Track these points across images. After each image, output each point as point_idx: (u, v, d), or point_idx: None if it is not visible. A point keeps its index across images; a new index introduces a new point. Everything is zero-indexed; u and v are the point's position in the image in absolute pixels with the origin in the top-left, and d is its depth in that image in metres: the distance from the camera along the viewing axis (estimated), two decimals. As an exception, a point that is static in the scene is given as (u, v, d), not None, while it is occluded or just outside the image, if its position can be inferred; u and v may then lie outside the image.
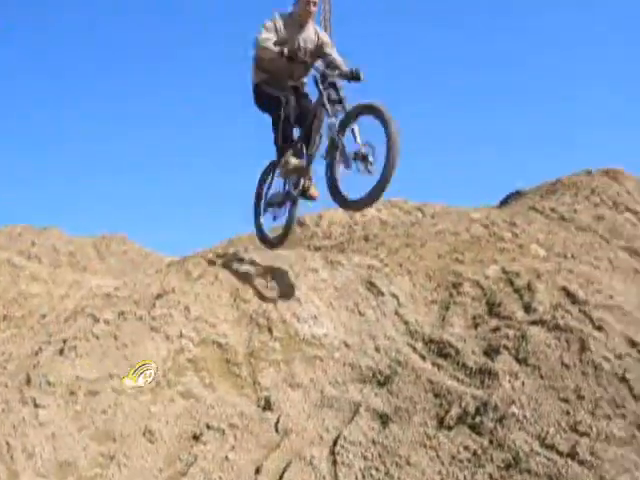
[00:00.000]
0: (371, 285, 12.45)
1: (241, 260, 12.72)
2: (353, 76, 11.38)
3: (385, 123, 10.29)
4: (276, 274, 12.22)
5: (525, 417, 9.27)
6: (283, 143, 11.87)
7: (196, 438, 9.06)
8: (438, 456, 8.89)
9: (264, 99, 12.13)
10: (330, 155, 11.18)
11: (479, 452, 8.85)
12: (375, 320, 11.67)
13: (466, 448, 8.96)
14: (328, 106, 11.12)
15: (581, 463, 8.47)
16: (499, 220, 16.09)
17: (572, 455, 8.61)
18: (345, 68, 11.62)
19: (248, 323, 11.09)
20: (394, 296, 12.26)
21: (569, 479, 8.23)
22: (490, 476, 8.48)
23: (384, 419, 9.55)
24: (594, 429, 9.02)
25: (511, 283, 12.65)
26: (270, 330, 10.96)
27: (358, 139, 10.78)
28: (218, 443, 8.99)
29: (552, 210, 17.30)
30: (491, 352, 10.79)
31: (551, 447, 8.79)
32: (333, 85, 11.23)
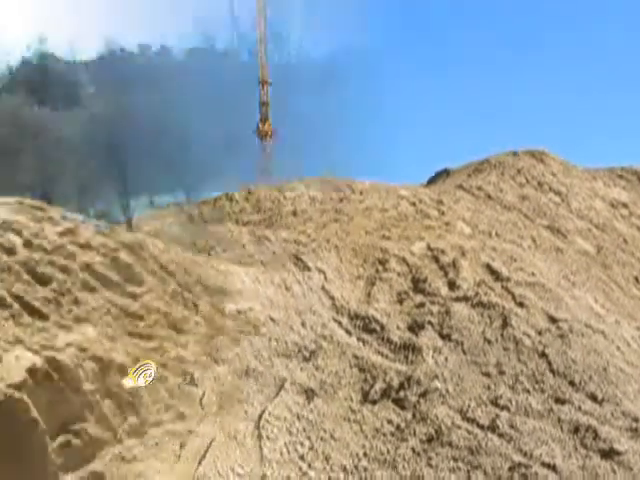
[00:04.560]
0: (298, 260, 12.44)
1: (165, 233, 12.56)
2: None
3: None
4: (202, 248, 12.10)
5: (447, 391, 9.41)
6: None
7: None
8: (362, 430, 8.97)
9: None
10: None
11: (402, 426, 8.96)
12: (301, 295, 11.68)
13: (390, 422, 9.06)
14: None
15: (500, 436, 8.66)
16: (426, 198, 16.24)
17: (492, 428, 8.79)
18: None
19: (171, 297, 10.93)
20: (321, 271, 12.28)
21: (489, 451, 8.40)
22: (413, 449, 8.59)
23: (309, 394, 9.59)
24: (514, 403, 9.22)
25: (436, 260, 12.80)
26: (195, 304, 10.84)
27: None
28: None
29: (479, 189, 17.55)
30: (415, 327, 10.91)
31: (472, 420, 8.95)
32: None
